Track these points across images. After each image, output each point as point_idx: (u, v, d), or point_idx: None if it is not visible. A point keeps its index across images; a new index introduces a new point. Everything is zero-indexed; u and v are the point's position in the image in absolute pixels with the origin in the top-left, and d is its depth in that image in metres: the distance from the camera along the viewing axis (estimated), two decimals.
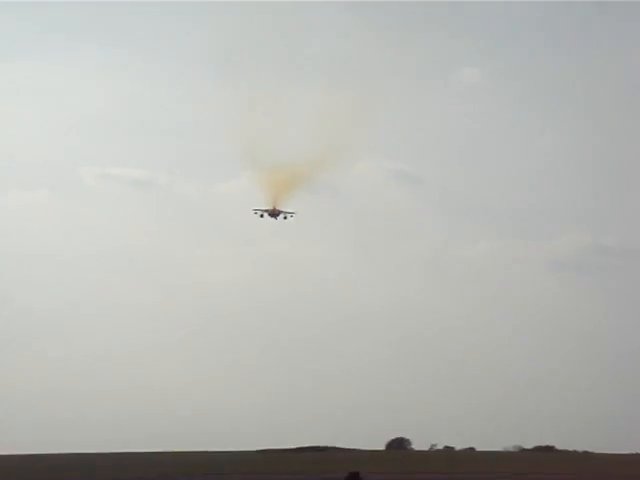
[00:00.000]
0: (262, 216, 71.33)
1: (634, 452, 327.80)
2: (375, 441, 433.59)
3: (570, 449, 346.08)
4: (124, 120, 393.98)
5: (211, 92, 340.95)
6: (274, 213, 70.67)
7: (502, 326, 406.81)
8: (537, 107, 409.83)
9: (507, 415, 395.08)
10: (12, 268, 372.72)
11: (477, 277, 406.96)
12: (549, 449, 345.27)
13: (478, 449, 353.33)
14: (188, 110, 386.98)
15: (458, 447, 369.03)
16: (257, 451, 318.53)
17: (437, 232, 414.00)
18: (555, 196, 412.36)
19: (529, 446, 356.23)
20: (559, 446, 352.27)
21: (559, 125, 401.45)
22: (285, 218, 71.29)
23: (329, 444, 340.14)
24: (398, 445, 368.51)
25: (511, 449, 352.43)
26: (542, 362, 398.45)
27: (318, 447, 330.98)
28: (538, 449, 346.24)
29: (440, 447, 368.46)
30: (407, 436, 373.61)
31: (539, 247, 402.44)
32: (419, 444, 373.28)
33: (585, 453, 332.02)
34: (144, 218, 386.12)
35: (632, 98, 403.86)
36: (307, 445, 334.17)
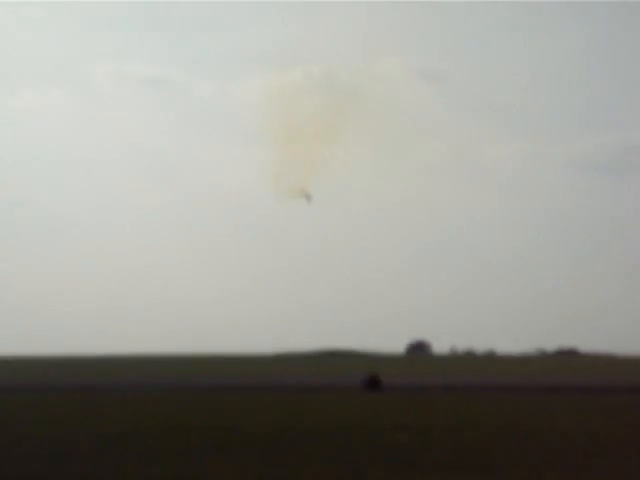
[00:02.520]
0: (307, 198, 73.70)
1: None
2: (395, 345, 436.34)
3: (593, 352, 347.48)
4: (139, 17, 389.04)
5: None
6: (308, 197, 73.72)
7: (526, 228, 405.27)
8: (566, 3, 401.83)
9: (529, 319, 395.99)
10: (25, 169, 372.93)
11: (502, 178, 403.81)
12: (572, 352, 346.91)
13: (499, 352, 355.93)
14: (205, 7, 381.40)
15: (479, 350, 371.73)
16: (275, 355, 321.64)
17: (461, 132, 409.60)
18: (584, 96, 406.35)
19: (551, 349, 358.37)
20: (581, 349, 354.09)
21: (588, 22, 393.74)
22: (307, 199, 73.55)
23: (348, 347, 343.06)
24: (418, 348, 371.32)
25: (532, 352, 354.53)
26: (566, 264, 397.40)
27: (337, 351, 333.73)
28: (560, 352, 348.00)
29: (461, 351, 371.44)
30: (427, 339, 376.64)
31: (566, 148, 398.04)
32: (439, 347, 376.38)
33: (608, 356, 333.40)
34: (159, 117, 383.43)
35: None
36: (326, 349, 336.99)
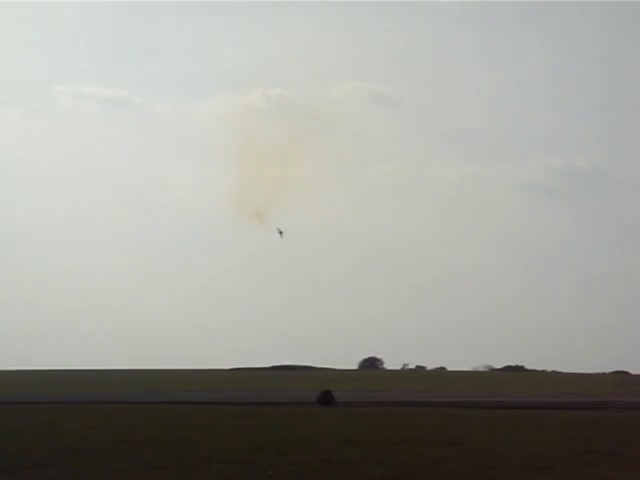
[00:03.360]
0: (281, 233, 79.17)
1: (601, 372, 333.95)
2: (348, 361, 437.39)
3: (539, 369, 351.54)
4: (98, 38, 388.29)
5: (188, 11, 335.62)
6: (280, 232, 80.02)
7: (474, 248, 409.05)
8: (511, 30, 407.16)
9: (478, 336, 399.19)
10: None
11: (450, 200, 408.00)
12: (519, 369, 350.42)
13: (449, 369, 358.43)
14: (164, 29, 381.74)
15: (429, 367, 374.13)
16: (229, 369, 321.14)
17: (413, 154, 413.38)
18: (528, 119, 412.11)
19: (499, 366, 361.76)
20: (528, 366, 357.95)
21: (533, 48, 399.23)
22: (281, 234, 79.09)
23: (302, 363, 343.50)
24: (370, 365, 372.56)
25: (481, 369, 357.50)
26: (512, 283, 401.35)
27: (291, 366, 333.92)
28: (508, 369, 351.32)
29: (412, 367, 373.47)
30: (379, 356, 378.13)
31: (512, 170, 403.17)
32: (391, 364, 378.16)
33: (554, 372, 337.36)
34: (119, 137, 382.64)
35: (607, 18, 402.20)
36: (280, 364, 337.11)
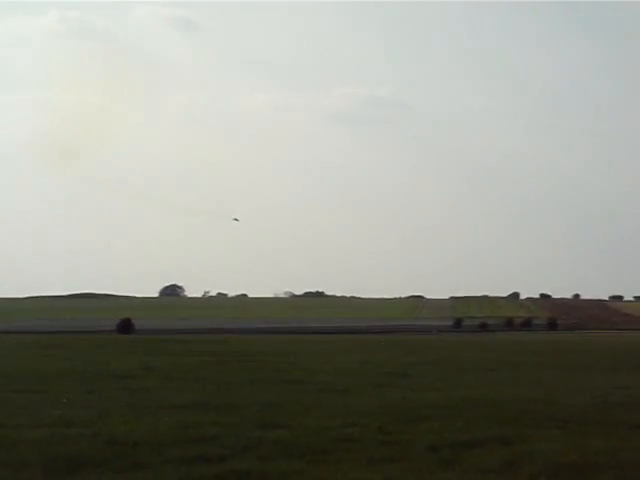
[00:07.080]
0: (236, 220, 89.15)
1: (397, 297, 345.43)
2: (148, 288, 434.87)
3: (339, 294, 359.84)
4: None
5: None
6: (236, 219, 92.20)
7: (277, 175, 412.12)
8: None
9: (279, 262, 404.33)
10: None
11: (257, 129, 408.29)
12: (319, 294, 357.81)
13: (250, 295, 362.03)
14: None
15: (231, 294, 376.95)
16: (26, 298, 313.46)
17: (218, 81, 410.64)
18: (331, 49, 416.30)
19: (299, 292, 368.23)
20: (328, 292, 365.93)
21: None
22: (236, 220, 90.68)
23: (102, 291, 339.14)
24: (171, 292, 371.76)
25: (282, 295, 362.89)
26: (313, 211, 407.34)
27: (91, 294, 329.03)
28: (308, 295, 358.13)
29: (213, 294, 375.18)
30: (180, 284, 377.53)
31: (317, 99, 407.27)
32: (192, 291, 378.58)
33: (353, 298, 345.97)
34: None
35: None
36: (80, 292, 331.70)
